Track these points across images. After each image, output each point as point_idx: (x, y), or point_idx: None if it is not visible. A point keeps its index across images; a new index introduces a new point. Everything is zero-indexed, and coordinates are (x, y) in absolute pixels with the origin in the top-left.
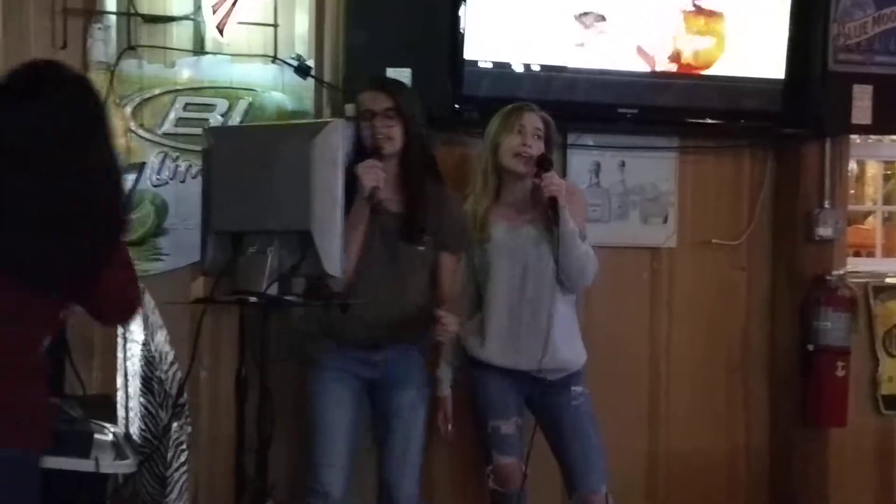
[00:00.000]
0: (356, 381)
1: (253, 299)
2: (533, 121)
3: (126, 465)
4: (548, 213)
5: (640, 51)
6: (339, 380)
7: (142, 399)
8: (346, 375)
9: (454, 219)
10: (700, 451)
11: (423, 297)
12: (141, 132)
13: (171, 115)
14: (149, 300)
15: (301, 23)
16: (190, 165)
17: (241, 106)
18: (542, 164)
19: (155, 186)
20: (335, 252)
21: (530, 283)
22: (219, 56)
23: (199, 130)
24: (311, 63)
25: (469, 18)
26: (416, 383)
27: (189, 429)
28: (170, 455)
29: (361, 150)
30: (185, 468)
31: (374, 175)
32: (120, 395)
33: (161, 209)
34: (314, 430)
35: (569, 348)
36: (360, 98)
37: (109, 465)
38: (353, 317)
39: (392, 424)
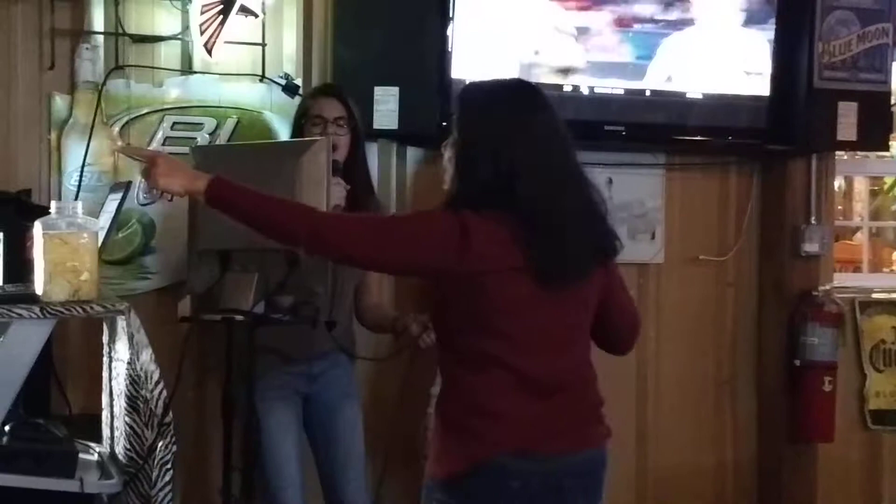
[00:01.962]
0: (296, 397)
1: (239, 318)
2: None
3: (111, 485)
4: None
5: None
6: (282, 398)
7: (127, 418)
8: (287, 393)
9: None
10: (688, 466)
11: (352, 304)
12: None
13: (159, 135)
14: (134, 319)
15: (289, 42)
16: None
17: (229, 125)
18: None
19: (142, 205)
20: (321, 269)
21: None
22: (207, 75)
23: (186, 149)
24: (299, 82)
25: (456, 37)
26: (351, 396)
27: (175, 448)
28: (155, 475)
29: None
30: (170, 488)
31: (339, 192)
32: (105, 415)
33: (148, 228)
34: (264, 454)
35: None
36: (312, 103)
37: (94, 484)
38: (297, 328)
39: (336, 442)
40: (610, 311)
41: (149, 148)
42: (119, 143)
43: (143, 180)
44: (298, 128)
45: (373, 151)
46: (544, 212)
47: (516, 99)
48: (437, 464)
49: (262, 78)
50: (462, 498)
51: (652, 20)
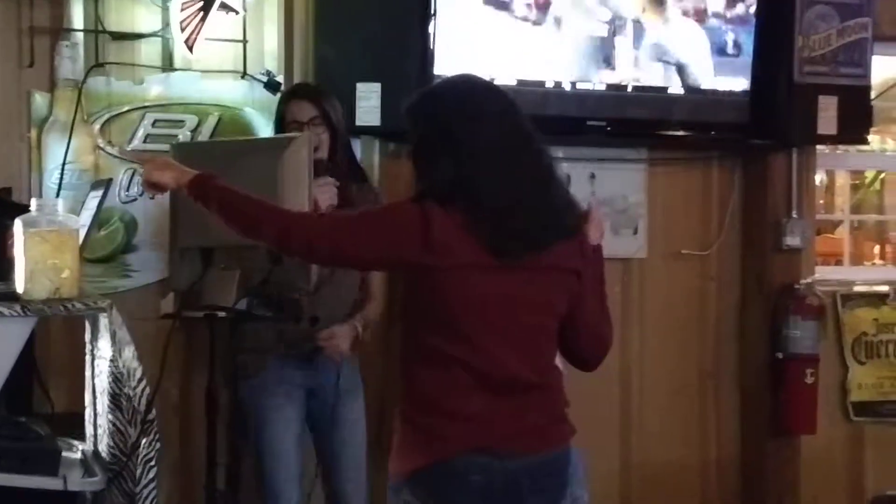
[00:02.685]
0: (299, 391)
1: (222, 314)
2: None
3: (95, 483)
4: None
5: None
6: (283, 393)
7: (110, 416)
8: (289, 387)
9: None
10: (672, 460)
11: (354, 299)
12: (109, 149)
13: (140, 132)
14: (116, 316)
15: (270, 38)
16: None
17: (211, 122)
18: None
19: (124, 203)
20: (304, 266)
21: None
22: (188, 72)
23: (168, 147)
24: (280, 79)
25: (438, 33)
26: (355, 390)
27: (158, 445)
28: (139, 472)
29: None
30: (154, 484)
31: (330, 193)
32: (88, 413)
33: (130, 226)
34: (265, 449)
35: None
36: (285, 108)
37: (78, 482)
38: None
39: (337, 435)
40: (574, 323)
41: (130, 146)
42: (99, 140)
43: (141, 181)
44: (279, 132)
45: (355, 148)
46: (491, 194)
47: (457, 96)
48: (398, 461)
49: (244, 75)
50: (426, 494)
51: (634, 12)
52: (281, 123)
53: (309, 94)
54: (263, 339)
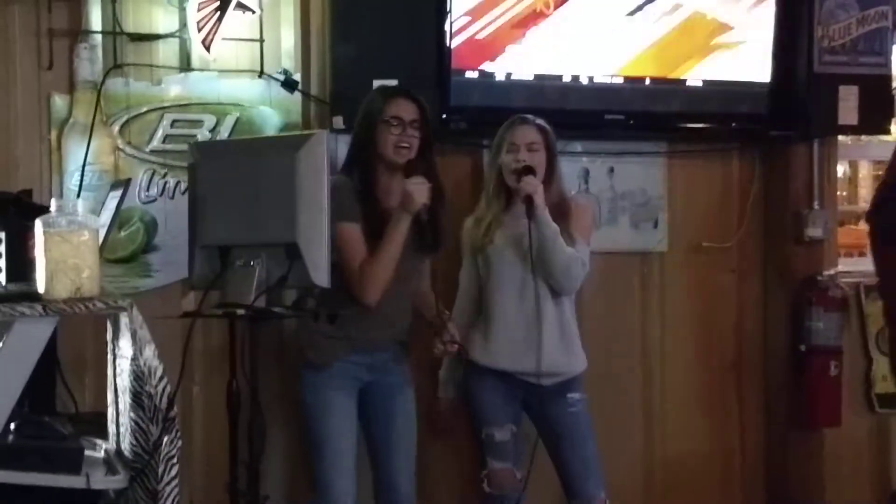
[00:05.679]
0: (356, 386)
1: (241, 312)
2: (525, 135)
3: (117, 481)
4: (528, 212)
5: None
6: (343, 388)
7: (132, 414)
8: (348, 382)
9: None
10: (695, 453)
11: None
12: (128, 150)
13: (159, 133)
14: (136, 315)
15: (287, 37)
16: (178, 181)
17: (229, 121)
18: (523, 171)
19: (144, 203)
20: (322, 263)
21: (531, 288)
22: (205, 72)
23: (186, 146)
24: (297, 77)
25: (455, 28)
26: (407, 382)
27: (179, 443)
28: (161, 469)
29: (360, 155)
30: (176, 482)
31: (425, 192)
32: (111, 411)
33: (150, 226)
34: (323, 443)
35: (567, 354)
36: (388, 103)
37: (100, 480)
38: (372, 321)
39: (393, 426)
40: None
41: (150, 146)
42: (119, 141)
43: None
44: (368, 126)
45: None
46: None
47: None
48: None
49: (261, 74)
50: None
51: (650, 7)
52: (376, 117)
53: (415, 97)
54: (332, 334)
